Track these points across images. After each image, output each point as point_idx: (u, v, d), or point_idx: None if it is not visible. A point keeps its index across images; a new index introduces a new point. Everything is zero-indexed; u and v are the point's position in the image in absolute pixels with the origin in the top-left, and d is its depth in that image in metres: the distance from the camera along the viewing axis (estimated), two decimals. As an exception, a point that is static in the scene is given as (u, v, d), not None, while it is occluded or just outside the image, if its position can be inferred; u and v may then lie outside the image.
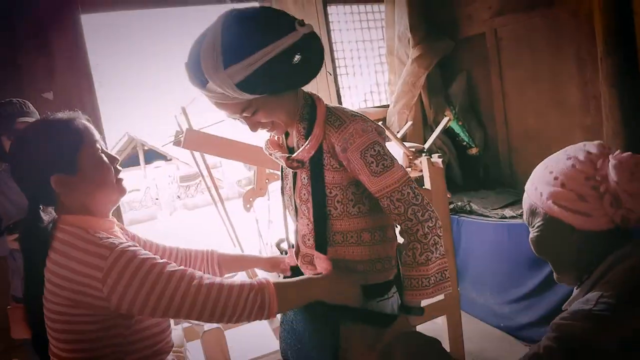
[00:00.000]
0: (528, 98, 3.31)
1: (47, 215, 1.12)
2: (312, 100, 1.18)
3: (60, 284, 1.00)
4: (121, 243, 1.02)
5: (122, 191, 1.16)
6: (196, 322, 1.06)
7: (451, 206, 3.12)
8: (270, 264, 1.49)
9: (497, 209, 3.02)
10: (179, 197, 12.75)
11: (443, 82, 3.88)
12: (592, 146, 0.96)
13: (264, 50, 0.97)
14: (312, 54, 1.05)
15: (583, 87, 2.91)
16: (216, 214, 2.22)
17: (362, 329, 1.20)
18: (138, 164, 15.59)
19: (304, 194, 1.19)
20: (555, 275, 1.07)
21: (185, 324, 2.09)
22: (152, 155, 15.03)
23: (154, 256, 1.03)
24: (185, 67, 1.04)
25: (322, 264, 1.19)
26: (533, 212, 1.01)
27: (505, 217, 2.83)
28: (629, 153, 0.92)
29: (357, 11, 4.05)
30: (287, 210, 1.32)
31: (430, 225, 1.13)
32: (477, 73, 3.70)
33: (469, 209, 3.06)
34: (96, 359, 1.03)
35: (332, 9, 3.85)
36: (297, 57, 1.00)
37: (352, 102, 4.07)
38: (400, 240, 1.21)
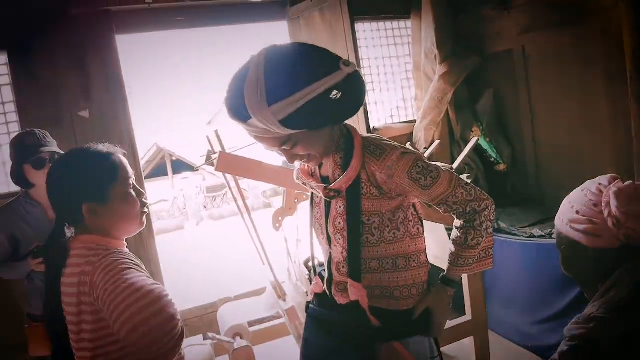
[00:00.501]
0: (556, 115, 3.28)
1: (69, 231, 1.23)
2: (347, 131, 1.21)
3: (73, 299, 1.08)
4: (117, 252, 1.12)
5: (142, 225, 1.25)
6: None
7: (478, 224, 3.10)
8: None
9: (525, 227, 2.99)
10: (205, 207, 12.92)
11: (470, 98, 3.87)
12: (604, 179, 1.14)
13: (308, 88, 0.99)
14: (355, 92, 1.07)
15: (613, 104, 2.87)
16: (242, 225, 2.26)
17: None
18: (166, 174, 15.89)
19: (339, 223, 1.21)
20: (585, 293, 1.22)
21: (214, 340, 2.14)
22: (180, 166, 15.30)
23: (140, 270, 1.10)
24: (225, 102, 1.06)
25: (356, 292, 1.20)
26: (560, 238, 1.20)
27: (534, 236, 2.79)
28: (630, 182, 1.10)
29: (384, 28, 4.09)
30: (318, 238, 1.34)
31: (487, 213, 1.23)
32: (505, 89, 3.68)
33: (496, 226, 3.03)
34: None
35: (359, 26, 3.90)
36: (334, 93, 1.02)
37: (379, 117, 4.10)
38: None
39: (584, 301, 2.33)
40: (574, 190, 1.19)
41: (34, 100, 3.05)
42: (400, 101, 4.19)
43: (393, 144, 1.19)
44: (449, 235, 2.61)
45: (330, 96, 1.02)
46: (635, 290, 1.00)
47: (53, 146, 2.12)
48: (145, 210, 1.24)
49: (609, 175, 1.15)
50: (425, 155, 2.71)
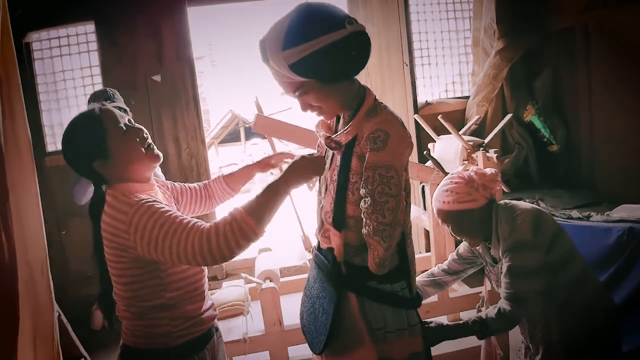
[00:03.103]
0: (615, 98, 3.16)
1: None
2: (363, 93, 1.30)
3: (108, 238, 1.24)
4: (145, 200, 1.22)
5: (152, 158, 1.32)
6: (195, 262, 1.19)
7: (518, 202, 3.12)
8: (261, 166, 1.69)
9: (567, 209, 2.96)
10: (271, 173, 13.42)
11: (528, 75, 3.80)
12: (460, 170, 1.73)
13: (314, 41, 1.13)
14: (357, 51, 1.19)
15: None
16: (302, 190, 2.47)
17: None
18: (239, 140, 16.62)
19: (334, 175, 1.33)
20: (469, 244, 1.79)
21: (250, 285, 2.42)
22: (252, 132, 15.92)
23: (168, 208, 1.22)
24: (259, 43, 1.22)
25: (336, 240, 1.33)
26: (446, 215, 1.69)
27: (572, 218, 2.78)
28: (478, 167, 1.59)
29: (444, 1, 4.07)
30: (319, 187, 1.46)
31: (377, 254, 1.20)
32: (564, 69, 3.57)
33: (537, 205, 3.03)
34: (140, 296, 1.28)
35: (417, 0, 3.93)
36: (338, 49, 1.15)
37: (432, 92, 4.12)
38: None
39: (614, 283, 2.34)
40: (443, 181, 1.73)
41: (115, 65, 3.45)
42: (456, 76, 4.17)
43: (392, 113, 1.28)
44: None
45: (339, 54, 1.16)
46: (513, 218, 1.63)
47: (120, 102, 2.48)
48: (148, 142, 1.33)
49: (460, 168, 1.70)
50: (463, 130, 2.77)
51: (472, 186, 1.66)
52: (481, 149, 2.33)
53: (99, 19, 3.42)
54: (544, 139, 3.67)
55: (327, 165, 1.39)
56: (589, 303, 1.69)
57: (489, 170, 1.71)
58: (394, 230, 1.21)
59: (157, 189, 1.41)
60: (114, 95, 2.51)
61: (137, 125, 1.35)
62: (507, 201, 1.77)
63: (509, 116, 2.47)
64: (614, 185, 3.25)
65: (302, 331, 1.51)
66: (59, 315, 2.39)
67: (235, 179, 1.68)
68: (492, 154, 2.25)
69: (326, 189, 1.39)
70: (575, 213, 2.81)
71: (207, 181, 1.69)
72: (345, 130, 1.29)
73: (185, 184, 1.63)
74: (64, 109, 3.69)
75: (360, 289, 1.32)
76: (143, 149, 1.31)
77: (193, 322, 1.35)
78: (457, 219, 1.69)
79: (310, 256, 2.25)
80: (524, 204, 1.73)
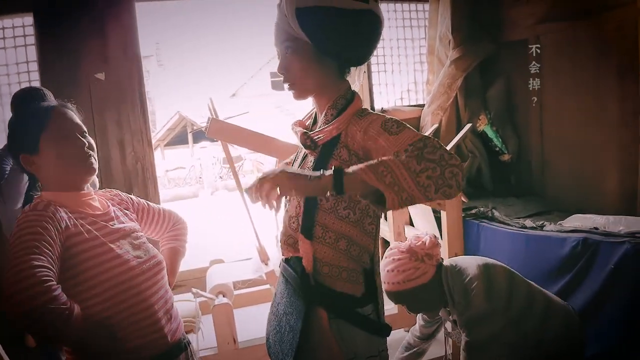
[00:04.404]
0: (565, 109, 3.25)
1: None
2: (351, 96, 1.22)
3: None
4: (29, 216, 1.07)
5: (87, 171, 1.21)
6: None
7: (474, 211, 3.14)
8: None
9: (521, 218, 3.01)
10: (221, 177, 13.12)
11: (482, 85, 3.85)
12: (395, 248, 1.73)
13: None
14: (364, 32, 1.13)
15: (622, 102, 2.84)
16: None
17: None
18: (187, 142, 16.16)
19: None
20: (429, 317, 1.85)
21: (200, 299, 2.27)
22: (201, 135, 15.52)
23: (35, 234, 1.02)
24: None
25: (304, 248, 1.20)
26: (400, 296, 1.70)
27: (526, 227, 2.81)
28: (418, 236, 1.74)
29: (400, 9, 4.07)
30: None
31: (455, 172, 0.99)
32: (517, 79, 3.65)
33: (490, 215, 3.06)
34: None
35: (375, 7, 3.90)
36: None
37: (388, 99, 4.11)
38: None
39: (567, 293, 2.37)
40: (383, 264, 1.70)
41: (55, 61, 3.16)
42: (411, 84, 4.19)
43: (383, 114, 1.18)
44: (436, 218, 2.65)
45: (343, 17, 1.09)
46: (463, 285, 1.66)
47: (51, 102, 2.25)
48: (89, 154, 1.22)
49: (393, 246, 1.75)
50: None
51: (417, 259, 1.64)
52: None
53: (38, 10, 3.13)
54: (496, 148, 3.73)
55: (297, 166, 1.30)
56: (560, 330, 1.72)
57: (425, 237, 1.70)
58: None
59: (94, 200, 1.25)
60: (46, 95, 2.26)
61: (86, 138, 1.25)
62: (453, 262, 1.76)
63: (468, 126, 2.46)
64: (563, 193, 3.34)
65: (267, 353, 1.37)
66: None
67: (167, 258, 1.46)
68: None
69: None
70: (529, 222, 2.85)
71: (174, 222, 1.53)
72: (327, 127, 1.18)
73: (155, 207, 1.47)
74: (-4, 108, 3.37)
75: (331, 306, 1.20)
76: (76, 159, 1.20)
77: (129, 348, 1.15)
78: (411, 297, 1.67)
79: (266, 269, 2.14)
80: (471, 264, 1.73)
